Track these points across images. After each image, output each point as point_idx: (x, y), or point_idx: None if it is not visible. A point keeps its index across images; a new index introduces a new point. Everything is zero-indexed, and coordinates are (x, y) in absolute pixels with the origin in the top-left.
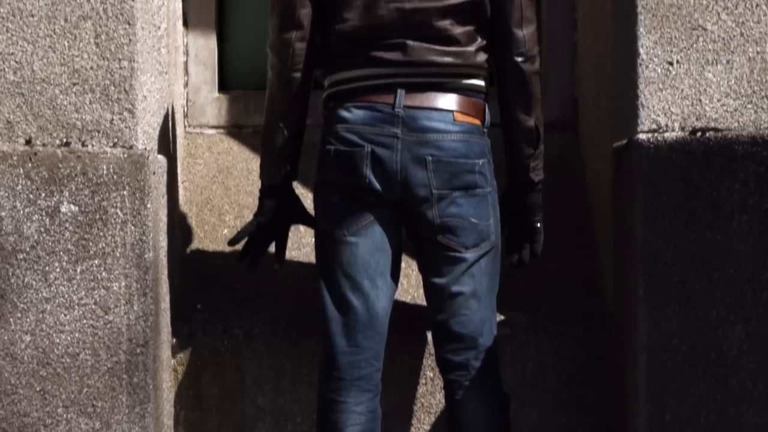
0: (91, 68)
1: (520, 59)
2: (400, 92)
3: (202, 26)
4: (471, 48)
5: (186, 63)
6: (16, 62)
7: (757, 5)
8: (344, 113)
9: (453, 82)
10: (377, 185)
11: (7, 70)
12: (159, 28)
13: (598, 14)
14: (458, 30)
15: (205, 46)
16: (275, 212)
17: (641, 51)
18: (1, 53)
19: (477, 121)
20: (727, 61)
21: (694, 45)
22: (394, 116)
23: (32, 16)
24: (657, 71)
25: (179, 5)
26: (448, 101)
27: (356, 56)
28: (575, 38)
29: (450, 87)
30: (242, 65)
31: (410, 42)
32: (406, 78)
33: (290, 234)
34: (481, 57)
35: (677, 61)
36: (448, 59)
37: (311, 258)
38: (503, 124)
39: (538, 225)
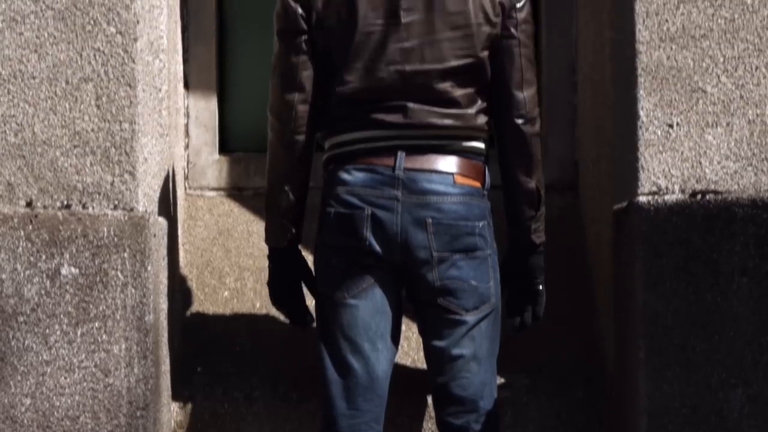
0: (92, 130)
1: (520, 121)
2: (401, 154)
3: (202, 88)
4: (471, 110)
5: (187, 125)
6: (18, 124)
7: (756, 68)
8: (344, 175)
9: (453, 145)
10: (377, 247)
11: (8, 132)
12: (160, 90)
13: (598, 77)
14: (459, 92)
15: (205, 109)
16: (283, 275)
17: (641, 113)
18: (3, 115)
19: (477, 184)
20: (727, 124)
21: (694, 107)
22: (395, 178)
23: (33, 78)
24: (657, 133)
25: (180, 68)
26: (449, 164)
27: (357, 118)
28: (575, 101)
29: (450, 149)
30: (243, 127)
31: (410, 104)
32: (406, 140)
33: None
34: (482, 119)
35: (677, 124)
36: (448, 121)
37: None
38: (504, 186)
39: (540, 287)
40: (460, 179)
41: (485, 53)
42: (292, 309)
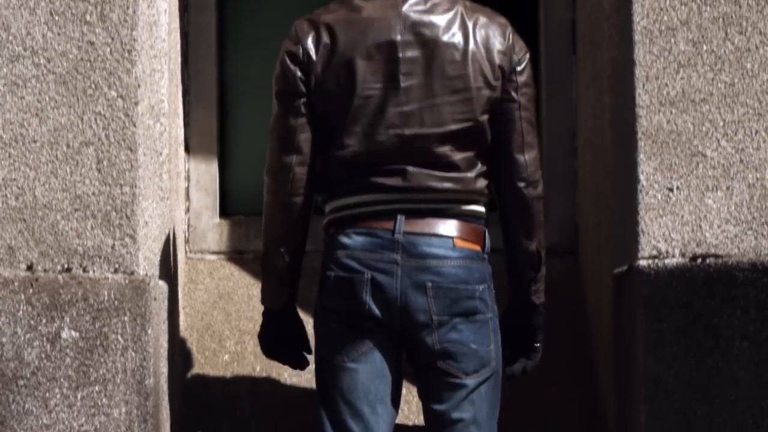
0: (93, 194)
1: (522, 184)
2: (400, 218)
3: (203, 152)
4: (471, 174)
5: (187, 188)
6: (18, 188)
7: (756, 132)
8: (344, 239)
9: (453, 208)
10: (377, 311)
11: (9, 195)
12: (161, 153)
13: (598, 141)
14: (458, 156)
15: (206, 172)
16: (276, 333)
17: (641, 177)
18: (4, 179)
19: (477, 247)
20: (727, 188)
21: (694, 171)
22: (394, 242)
23: (35, 142)
24: (657, 197)
25: (181, 131)
26: (448, 227)
27: (356, 182)
28: (575, 165)
29: (450, 213)
30: (243, 191)
31: (410, 168)
32: (406, 204)
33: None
34: (481, 183)
35: (677, 188)
36: (447, 185)
37: (312, 384)
38: (505, 247)
39: (538, 344)
40: (459, 243)
41: (485, 117)
42: (286, 359)
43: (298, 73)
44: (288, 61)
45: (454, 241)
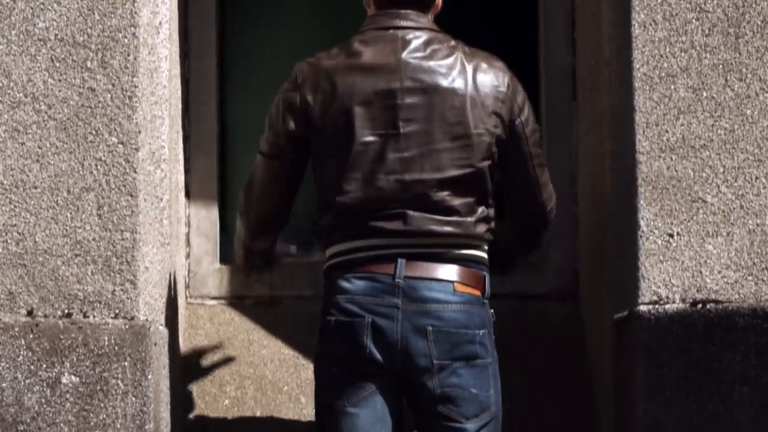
0: (93, 239)
1: (540, 218)
2: (401, 262)
3: (203, 198)
4: (471, 219)
5: (188, 234)
6: (19, 233)
7: (756, 178)
8: (345, 284)
9: (453, 253)
10: (378, 355)
11: (9, 241)
12: (161, 199)
13: (598, 187)
14: (457, 201)
15: (206, 218)
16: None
17: (642, 223)
18: (4, 224)
19: (477, 292)
20: (728, 233)
21: (695, 217)
22: (395, 286)
23: (35, 187)
24: (657, 243)
25: (182, 177)
26: (449, 272)
27: (356, 227)
28: (576, 211)
29: (449, 257)
30: None
31: (410, 212)
32: (406, 248)
33: (291, 407)
34: (481, 228)
35: (678, 233)
36: (448, 229)
37: (312, 428)
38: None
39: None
40: (460, 287)
41: (485, 163)
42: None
43: (291, 125)
44: (282, 108)
45: (455, 286)
